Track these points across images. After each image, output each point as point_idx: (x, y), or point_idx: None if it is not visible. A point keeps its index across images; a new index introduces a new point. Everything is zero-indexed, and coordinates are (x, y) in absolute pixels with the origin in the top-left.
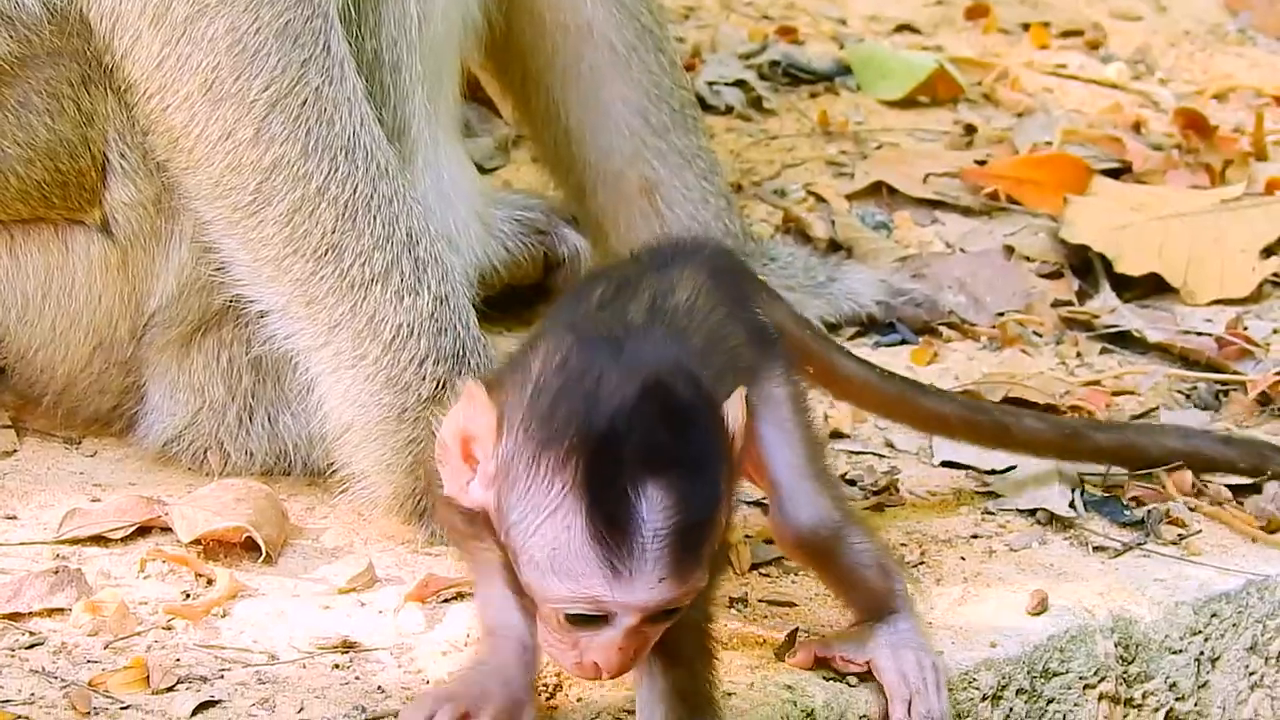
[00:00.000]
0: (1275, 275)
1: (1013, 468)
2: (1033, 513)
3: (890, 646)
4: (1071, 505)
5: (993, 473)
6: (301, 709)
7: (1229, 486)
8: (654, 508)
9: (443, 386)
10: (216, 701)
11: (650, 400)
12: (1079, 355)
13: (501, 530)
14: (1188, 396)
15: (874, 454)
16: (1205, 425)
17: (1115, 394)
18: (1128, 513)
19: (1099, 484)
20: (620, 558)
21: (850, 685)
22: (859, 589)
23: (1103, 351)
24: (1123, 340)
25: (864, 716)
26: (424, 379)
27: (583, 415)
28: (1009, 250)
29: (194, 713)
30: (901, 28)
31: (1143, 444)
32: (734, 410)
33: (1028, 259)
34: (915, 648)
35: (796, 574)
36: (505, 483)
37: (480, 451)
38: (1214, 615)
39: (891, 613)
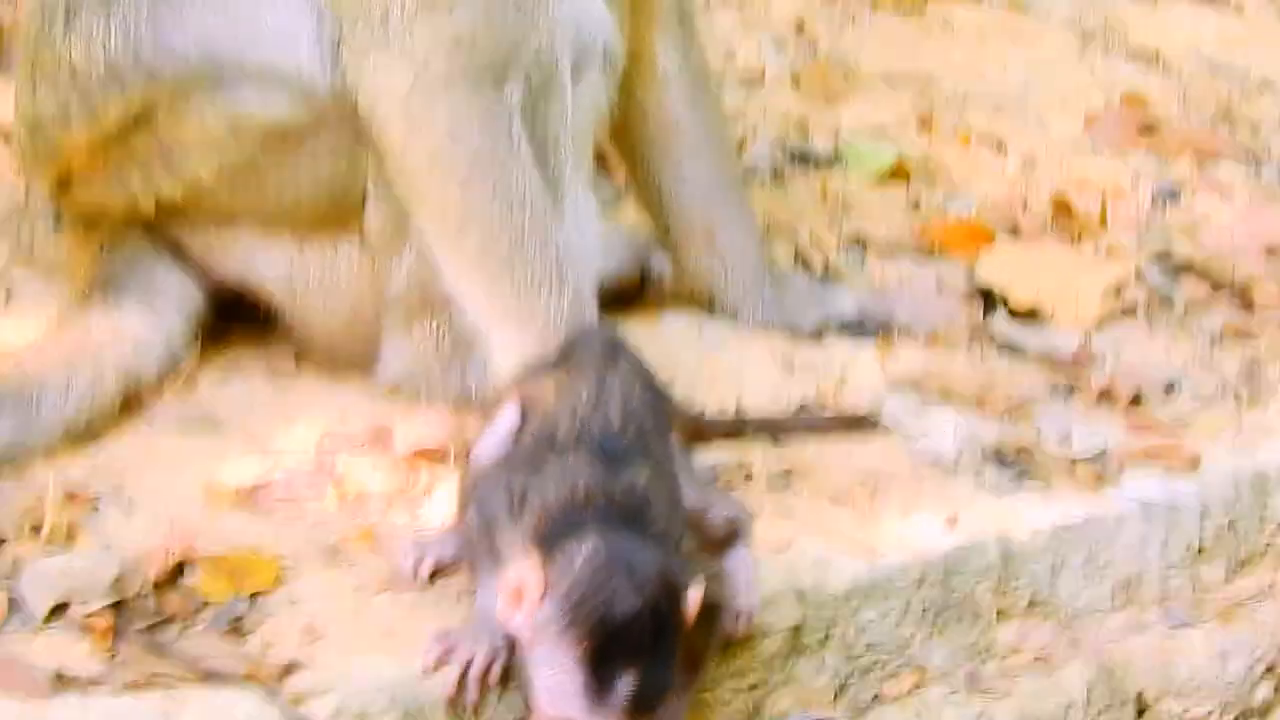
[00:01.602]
0: (1111, 310)
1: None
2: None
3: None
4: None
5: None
6: None
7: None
8: (627, 687)
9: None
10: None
11: (646, 614)
12: (982, 357)
13: (525, 650)
14: (1053, 390)
15: None
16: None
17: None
18: (1010, 465)
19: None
20: (598, 715)
21: None
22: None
23: (999, 355)
24: (1011, 349)
25: None
26: None
27: (600, 615)
28: (940, 284)
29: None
30: (876, 130)
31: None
32: (693, 598)
33: (952, 290)
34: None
35: None
36: (535, 634)
37: (526, 604)
38: (1062, 538)
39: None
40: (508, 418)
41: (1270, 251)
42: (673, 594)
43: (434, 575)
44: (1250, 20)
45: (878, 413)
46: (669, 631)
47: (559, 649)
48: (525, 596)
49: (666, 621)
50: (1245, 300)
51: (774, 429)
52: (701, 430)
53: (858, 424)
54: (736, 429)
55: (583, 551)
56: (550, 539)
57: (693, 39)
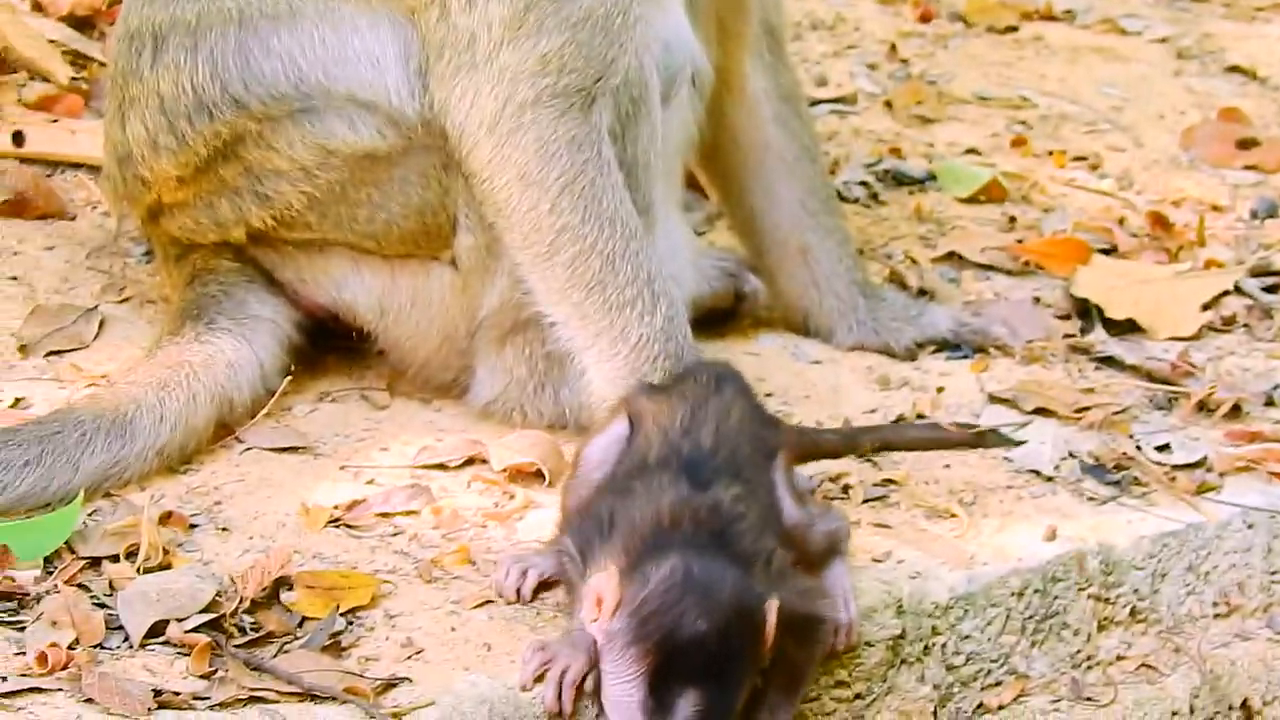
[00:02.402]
0: (1209, 323)
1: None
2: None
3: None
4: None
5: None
6: None
7: (1177, 466)
8: (688, 708)
9: (669, 377)
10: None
11: (713, 637)
12: (1080, 371)
13: (599, 659)
14: (1151, 401)
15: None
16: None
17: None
18: (1109, 475)
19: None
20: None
21: None
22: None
23: (1096, 369)
24: (1109, 362)
25: None
26: (656, 370)
27: (665, 634)
28: (1036, 300)
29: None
30: (969, 150)
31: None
32: (770, 618)
33: (1048, 306)
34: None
35: None
36: (607, 643)
37: (602, 613)
38: (1164, 546)
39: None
40: (617, 428)
41: None
42: (747, 618)
43: (535, 592)
44: None
45: (999, 428)
46: (738, 656)
47: (625, 662)
48: (603, 606)
49: (736, 646)
50: None
51: (894, 444)
52: (819, 448)
53: (980, 439)
54: (854, 445)
55: (660, 571)
56: (635, 556)
57: (783, 61)
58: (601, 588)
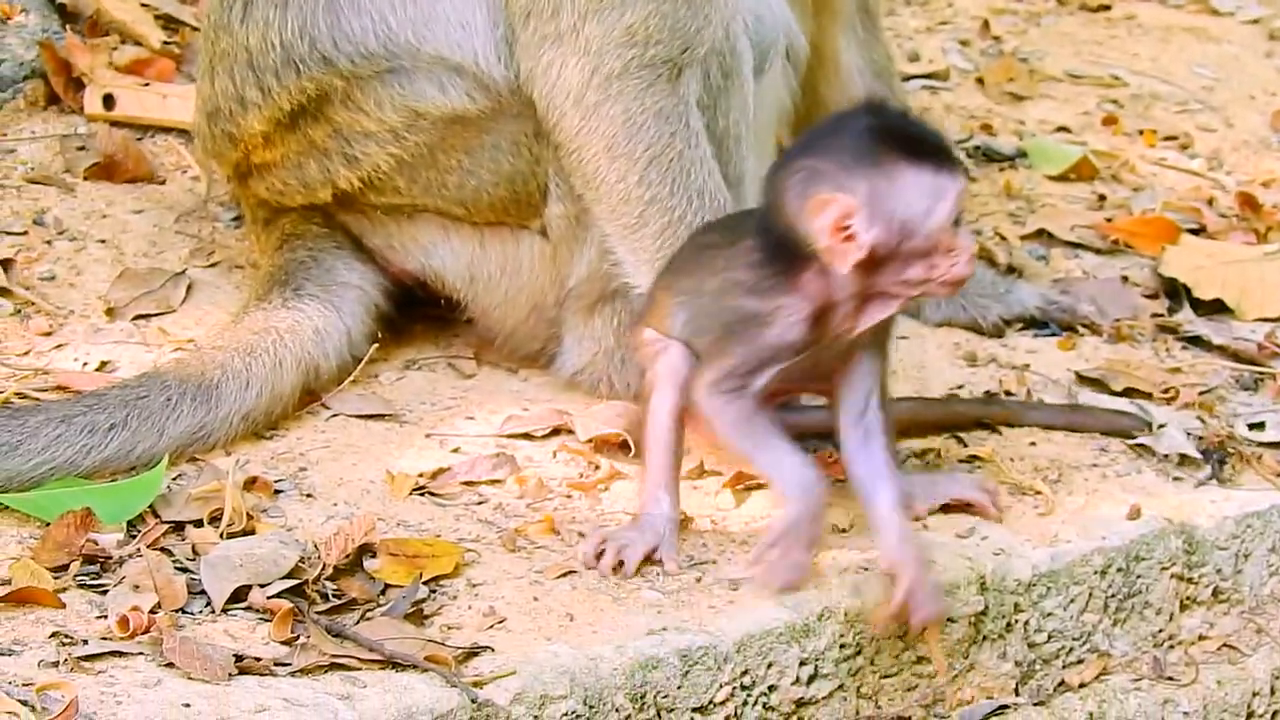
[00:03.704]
0: None
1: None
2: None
3: None
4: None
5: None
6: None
7: (1262, 444)
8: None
9: None
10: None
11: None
12: (1168, 350)
13: (888, 237)
14: (1237, 381)
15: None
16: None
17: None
18: (1197, 456)
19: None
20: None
21: None
22: None
23: (1183, 349)
24: (1196, 342)
25: None
26: None
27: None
28: (1124, 279)
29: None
30: (1060, 128)
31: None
32: None
33: (1136, 285)
34: None
35: None
36: (883, 211)
37: (858, 220)
38: (1248, 526)
39: None
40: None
41: None
42: None
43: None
44: None
45: (1141, 415)
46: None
47: (897, 182)
48: (851, 213)
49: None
50: None
51: (1025, 421)
52: (946, 417)
53: (1117, 422)
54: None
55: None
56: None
57: (877, 36)
58: (839, 214)
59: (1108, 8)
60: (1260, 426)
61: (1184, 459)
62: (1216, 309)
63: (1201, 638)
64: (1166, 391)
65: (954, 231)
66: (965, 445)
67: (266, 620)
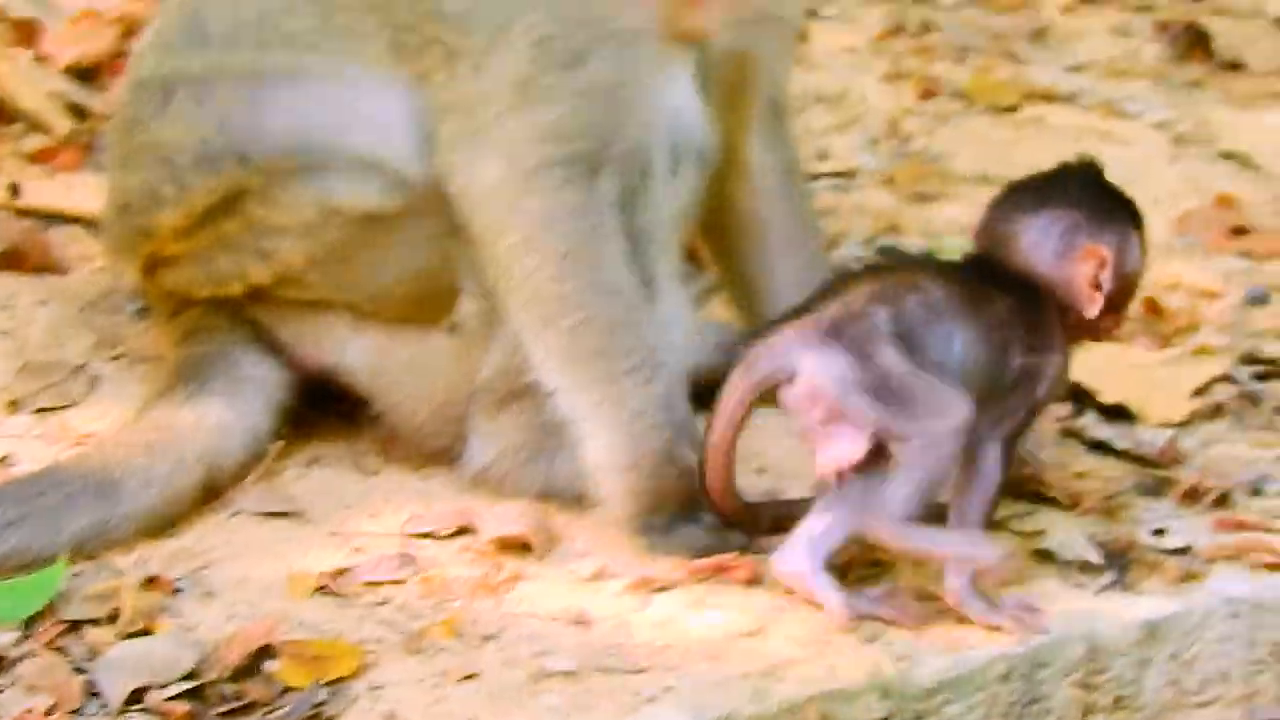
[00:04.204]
0: (1199, 410)
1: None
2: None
3: None
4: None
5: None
6: (549, 652)
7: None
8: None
9: (668, 446)
10: (500, 645)
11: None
12: (1072, 455)
13: (1117, 289)
14: (1141, 487)
15: None
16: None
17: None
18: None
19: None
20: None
21: None
22: None
23: (1088, 453)
24: (1100, 446)
25: None
26: (654, 441)
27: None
28: None
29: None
30: (967, 230)
31: None
32: None
33: None
34: None
35: None
36: (1120, 266)
37: (1107, 271)
38: (1150, 633)
39: None
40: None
41: None
42: None
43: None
44: None
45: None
46: None
47: (1131, 245)
48: (1103, 268)
49: None
50: None
51: None
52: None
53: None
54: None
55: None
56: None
57: (785, 137)
58: (1092, 261)
59: (1016, 109)
60: (1163, 532)
61: (1086, 565)
62: (1120, 413)
63: None
64: (1070, 497)
65: None
66: (871, 548)
67: None
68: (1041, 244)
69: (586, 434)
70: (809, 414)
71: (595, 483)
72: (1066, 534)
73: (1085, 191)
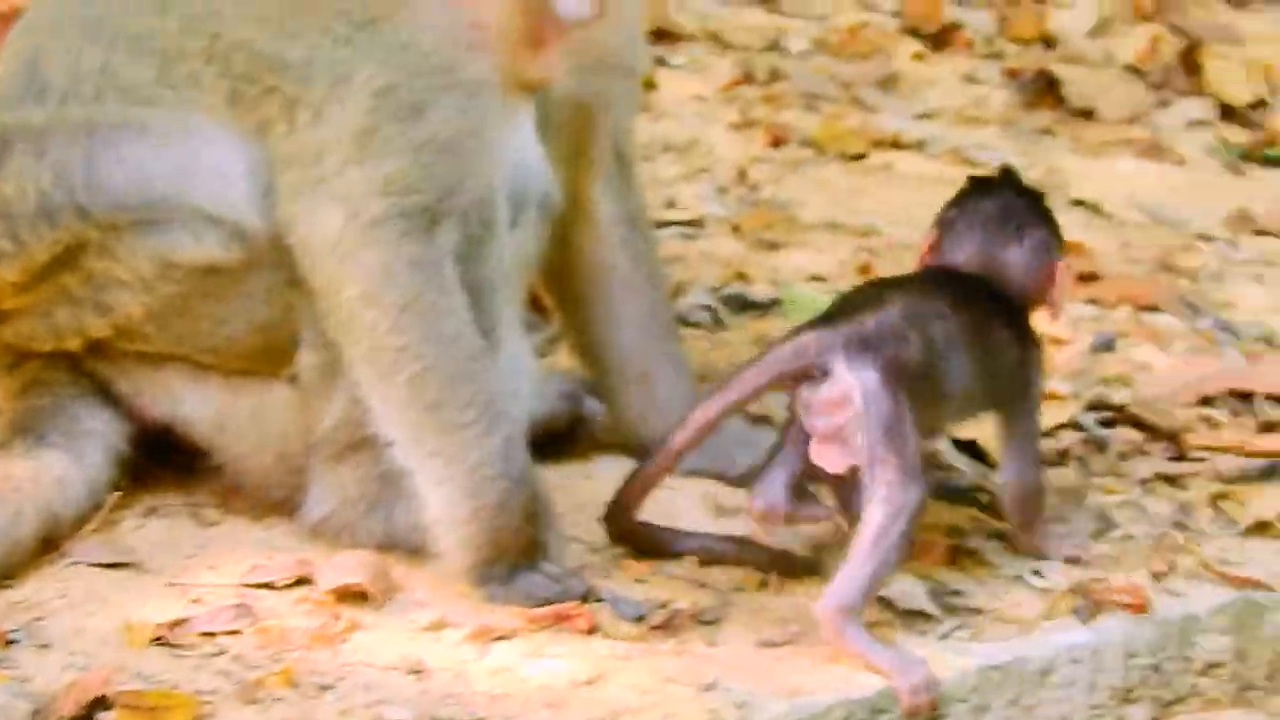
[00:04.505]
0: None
1: None
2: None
3: None
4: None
5: None
6: (386, 701)
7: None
8: None
9: (505, 499)
10: (336, 695)
11: None
12: None
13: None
14: (986, 531)
15: None
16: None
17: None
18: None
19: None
20: None
21: None
22: None
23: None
24: (948, 490)
25: None
26: (493, 493)
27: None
28: None
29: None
30: (815, 277)
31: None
32: None
33: None
34: None
35: None
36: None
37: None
38: (987, 679)
39: None
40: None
41: (1204, 400)
42: None
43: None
44: (1191, 171)
45: (815, 554)
46: None
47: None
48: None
49: None
50: (1178, 448)
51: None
52: (641, 538)
53: (794, 564)
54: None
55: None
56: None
57: (630, 185)
58: (1064, 274)
59: (865, 156)
60: (1008, 577)
61: (926, 614)
62: (971, 454)
63: None
64: (917, 542)
65: None
66: (710, 593)
67: None
68: (1021, 257)
69: (425, 485)
70: (829, 417)
71: (435, 533)
72: (908, 582)
73: (1038, 212)
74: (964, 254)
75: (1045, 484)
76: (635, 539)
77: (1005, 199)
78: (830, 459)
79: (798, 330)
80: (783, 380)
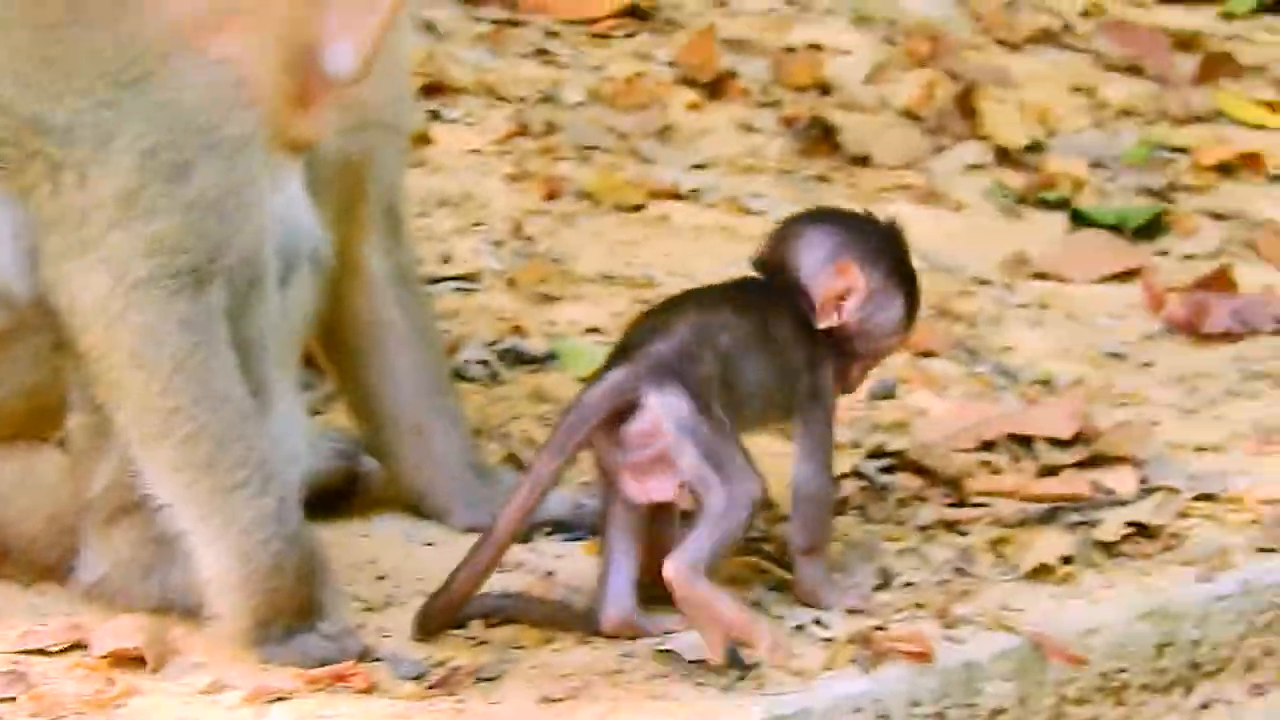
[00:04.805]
0: None
1: None
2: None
3: None
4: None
5: None
6: None
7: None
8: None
9: (279, 559)
10: None
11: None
12: None
13: (852, 333)
14: (768, 583)
15: None
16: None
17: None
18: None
19: None
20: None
21: None
22: None
23: None
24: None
25: None
26: (267, 554)
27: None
28: None
29: None
30: (592, 329)
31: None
32: None
33: None
34: None
35: None
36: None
37: (853, 300)
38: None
39: None
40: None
41: (983, 445)
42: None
43: None
44: (968, 216)
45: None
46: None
47: (888, 304)
48: (852, 286)
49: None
50: (958, 493)
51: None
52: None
53: (574, 618)
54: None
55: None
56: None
57: (402, 241)
58: (844, 282)
59: (641, 207)
60: (793, 628)
61: (708, 666)
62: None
63: None
64: None
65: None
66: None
67: None
68: (805, 249)
69: (199, 547)
70: (643, 449)
71: (210, 595)
72: (689, 634)
73: (878, 237)
74: (764, 258)
75: (833, 493)
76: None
77: (823, 216)
78: (658, 487)
79: (599, 375)
80: (600, 426)
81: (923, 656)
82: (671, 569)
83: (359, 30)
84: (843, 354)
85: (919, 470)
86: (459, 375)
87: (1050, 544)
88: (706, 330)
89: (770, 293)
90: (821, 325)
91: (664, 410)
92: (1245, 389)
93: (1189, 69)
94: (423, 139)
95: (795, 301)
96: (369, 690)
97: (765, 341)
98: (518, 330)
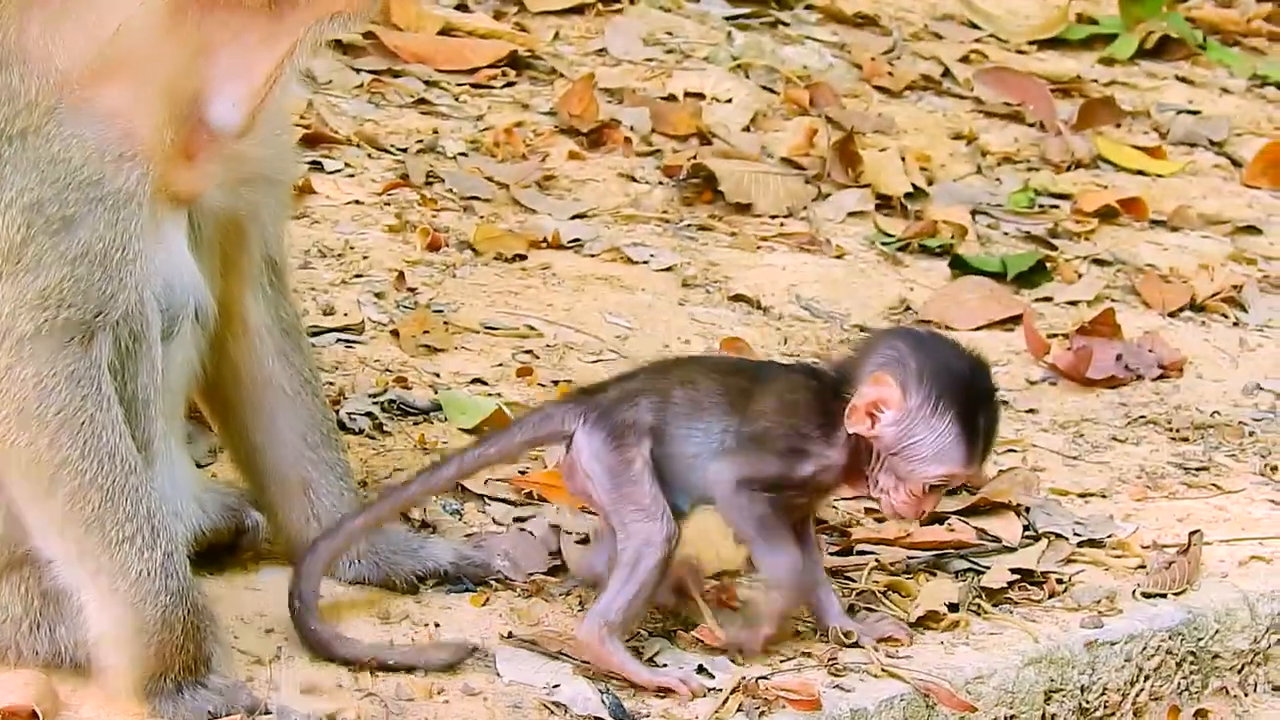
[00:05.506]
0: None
1: None
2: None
3: None
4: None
5: None
6: None
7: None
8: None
9: (168, 613)
10: None
11: (980, 370)
12: (580, 602)
13: (891, 449)
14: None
15: None
16: None
17: None
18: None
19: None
20: (974, 455)
21: None
22: None
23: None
24: None
25: None
26: (155, 608)
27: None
28: (539, 530)
29: None
30: (475, 380)
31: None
32: None
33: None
34: None
35: None
36: (904, 426)
37: (887, 415)
38: None
39: None
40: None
41: None
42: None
43: None
44: (850, 263)
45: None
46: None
47: (934, 424)
48: (888, 401)
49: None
50: (844, 541)
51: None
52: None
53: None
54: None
55: (909, 363)
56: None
57: (284, 294)
58: (877, 392)
59: (524, 257)
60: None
61: (597, 719)
62: None
63: None
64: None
65: (929, 492)
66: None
67: None
68: (867, 354)
69: (87, 602)
70: (571, 481)
71: (100, 650)
72: (582, 685)
73: (942, 359)
74: (844, 358)
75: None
76: (313, 633)
77: (902, 332)
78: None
79: (557, 402)
80: (529, 445)
81: (811, 705)
82: (583, 632)
83: (245, 84)
84: (883, 469)
85: None
86: (343, 427)
87: (937, 591)
88: (662, 382)
89: (813, 383)
90: (850, 428)
91: (586, 447)
92: (1129, 434)
93: (1069, 115)
94: (304, 190)
95: (830, 397)
96: None
97: (732, 407)
98: (401, 382)
